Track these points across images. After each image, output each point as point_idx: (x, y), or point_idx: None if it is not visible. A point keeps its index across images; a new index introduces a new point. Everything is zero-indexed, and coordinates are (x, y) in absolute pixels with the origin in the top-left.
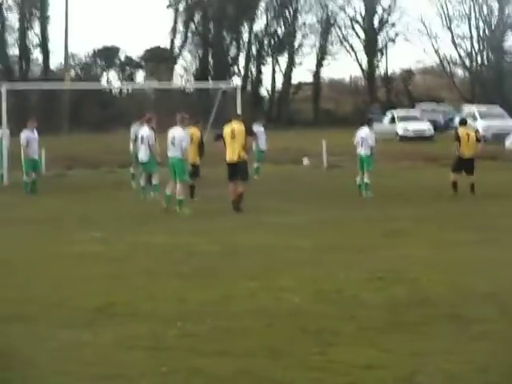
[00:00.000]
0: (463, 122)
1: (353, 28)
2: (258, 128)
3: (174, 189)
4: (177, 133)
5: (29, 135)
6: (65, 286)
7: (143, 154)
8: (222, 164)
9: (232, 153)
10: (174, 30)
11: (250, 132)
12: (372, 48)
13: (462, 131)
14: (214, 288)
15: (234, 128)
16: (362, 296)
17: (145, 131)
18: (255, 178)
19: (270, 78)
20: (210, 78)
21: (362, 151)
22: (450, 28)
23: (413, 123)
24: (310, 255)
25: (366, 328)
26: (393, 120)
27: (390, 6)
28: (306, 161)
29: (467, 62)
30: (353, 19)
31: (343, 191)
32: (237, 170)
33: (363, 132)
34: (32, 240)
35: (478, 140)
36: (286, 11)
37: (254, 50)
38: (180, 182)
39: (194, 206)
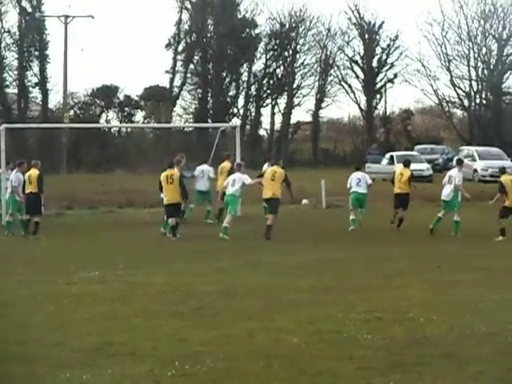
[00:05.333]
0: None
1: (352, 68)
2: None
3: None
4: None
5: (20, 177)
6: (63, 326)
7: (203, 186)
8: None
9: (269, 190)
10: (173, 70)
11: (288, 183)
12: (371, 88)
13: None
14: (213, 328)
15: (275, 171)
16: (361, 336)
17: (204, 167)
18: None
19: (269, 117)
20: (209, 117)
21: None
22: (448, 68)
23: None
24: (309, 295)
25: (365, 368)
26: (391, 160)
27: (388, 46)
28: (304, 201)
29: (466, 103)
30: (352, 60)
31: (342, 231)
32: (268, 204)
33: (360, 174)
34: (30, 280)
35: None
36: (285, 52)
37: (253, 90)
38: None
39: (194, 246)
